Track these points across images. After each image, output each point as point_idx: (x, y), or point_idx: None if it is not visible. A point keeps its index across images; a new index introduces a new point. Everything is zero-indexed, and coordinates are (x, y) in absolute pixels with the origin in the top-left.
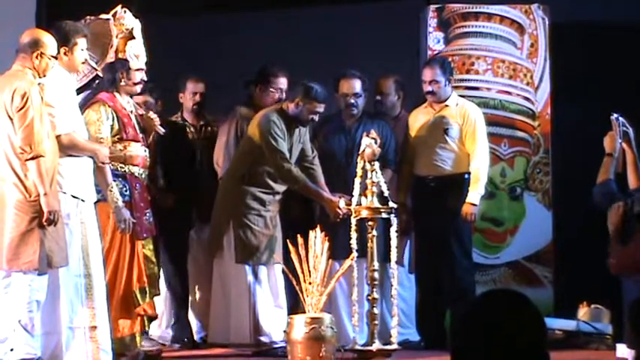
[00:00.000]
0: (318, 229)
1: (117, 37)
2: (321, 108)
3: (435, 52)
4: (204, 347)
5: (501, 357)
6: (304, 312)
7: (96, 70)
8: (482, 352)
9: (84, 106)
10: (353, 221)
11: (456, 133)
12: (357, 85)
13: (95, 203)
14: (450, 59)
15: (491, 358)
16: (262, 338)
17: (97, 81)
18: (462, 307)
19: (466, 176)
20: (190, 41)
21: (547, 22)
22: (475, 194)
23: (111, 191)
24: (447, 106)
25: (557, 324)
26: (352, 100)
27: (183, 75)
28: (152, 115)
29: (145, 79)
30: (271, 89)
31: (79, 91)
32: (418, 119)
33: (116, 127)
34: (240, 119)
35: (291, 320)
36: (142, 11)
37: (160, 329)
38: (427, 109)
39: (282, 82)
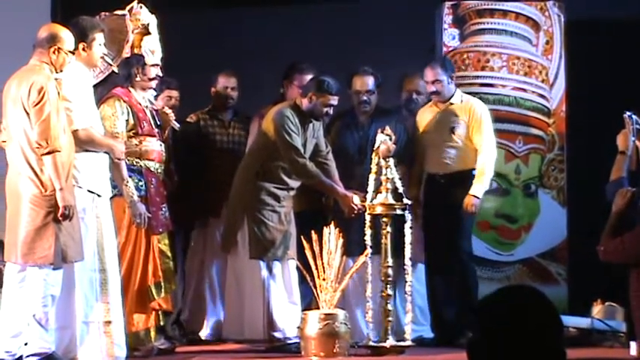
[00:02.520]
0: (332, 225)
1: (133, 32)
2: (334, 100)
3: (450, 49)
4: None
5: (518, 353)
6: (318, 308)
7: (112, 66)
8: (498, 349)
9: (99, 101)
10: (367, 217)
11: (462, 131)
12: (369, 81)
13: (111, 198)
14: (450, 56)
15: (507, 355)
16: (276, 334)
17: (113, 77)
18: (480, 304)
19: (474, 172)
20: (206, 36)
21: (562, 19)
22: (479, 187)
23: (127, 186)
24: (451, 104)
25: (571, 321)
26: (365, 97)
27: (199, 70)
28: (167, 109)
29: (161, 74)
30: (296, 86)
31: (96, 87)
32: (425, 118)
33: (131, 122)
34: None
35: (305, 316)
36: (158, 7)
37: None
38: (432, 108)
39: (307, 80)
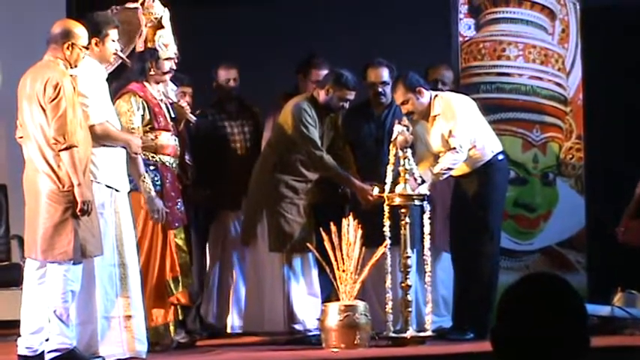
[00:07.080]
0: (351, 216)
1: (146, 26)
2: (351, 95)
3: (466, 39)
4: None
5: (541, 341)
6: (338, 300)
7: (124, 59)
8: (521, 336)
9: (114, 97)
10: (386, 209)
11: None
12: (384, 73)
13: (128, 193)
14: (466, 45)
15: (530, 342)
16: (296, 326)
17: (124, 69)
18: (504, 292)
19: (482, 162)
20: (219, 29)
21: (578, 7)
22: (427, 172)
23: (143, 181)
24: (435, 117)
25: (592, 310)
26: (380, 89)
27: (212, 63)
28: (182, 103)
29: (175, 68)
30: (311, 81)
31: (110, 82)
32: (427, 131)
33: (147, 116)
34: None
35: (325, 308)
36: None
37: None
38: (424, 123)
39: (322, 75)
